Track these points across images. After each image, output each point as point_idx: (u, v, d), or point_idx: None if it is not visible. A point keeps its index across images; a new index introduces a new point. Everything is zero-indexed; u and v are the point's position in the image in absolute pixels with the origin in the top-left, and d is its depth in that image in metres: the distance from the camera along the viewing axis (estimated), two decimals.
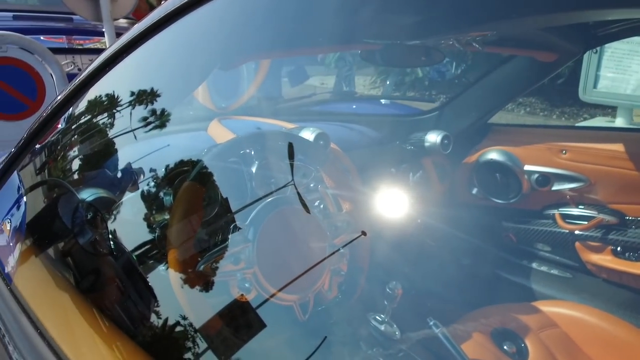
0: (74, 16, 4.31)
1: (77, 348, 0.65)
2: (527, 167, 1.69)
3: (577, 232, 1.63)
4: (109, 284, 0.90)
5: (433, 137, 1.75)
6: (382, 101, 2.39)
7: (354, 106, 2.54)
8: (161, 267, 0.88)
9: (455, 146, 1.76)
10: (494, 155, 1.76)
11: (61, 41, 3.85)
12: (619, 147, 1.48)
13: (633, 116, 2.41)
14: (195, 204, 0.84)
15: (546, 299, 1.74)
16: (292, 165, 1.04)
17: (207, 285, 0.80)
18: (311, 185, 1.06)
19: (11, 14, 4.18)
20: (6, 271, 0.90)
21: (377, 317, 1.16)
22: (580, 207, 1.62)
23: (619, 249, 1.55)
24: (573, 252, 1.68)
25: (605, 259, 1.59)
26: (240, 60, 1.51)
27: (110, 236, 0.96)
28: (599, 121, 2.64)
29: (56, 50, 3.53)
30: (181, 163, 1.02)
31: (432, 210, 1.78)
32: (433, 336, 1.23)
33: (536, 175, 1.68)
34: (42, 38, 3.68)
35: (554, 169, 1.63)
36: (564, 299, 1.72)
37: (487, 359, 1.34)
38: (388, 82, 2.38)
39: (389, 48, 1.22)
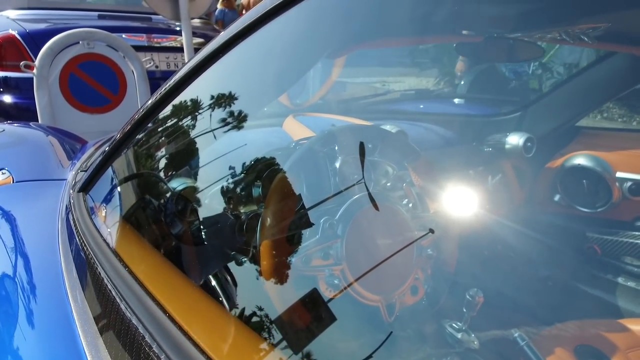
0: (153, 15, 4.54)
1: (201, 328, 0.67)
2: (619, 174, 1.57)
3: None
4: (204, 269, 0.93)
5: (515, 139, 1.67)
6: (456, 100, 2.32)
7: (424, 106, 2.48)
8: (250, 257, 0.90)
9: (539, 149, 1.67)
10: (581, 160, 1.65)
11: (141, 39, 4.06)
12: None
13: None
14: (287, 196, 0.85)
15: (634, 316, 1.61)
16: (363, 162, 1.02)
17: (296, 278, 0.80)
18: (394, 182, 1.04)
19: (96, 13, 4.46)
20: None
21: (454, 324, 1.12)
22: None
23: None
24: None
25: None
26: (347, 49, 1.50)
27: (201, 226, 0.99)
28: None
29: (137, 48, 3.73)
30: (269, 158, 1.03)
31: (513, 217, 1.70)
32: (513, 348, 1.17)
33: (629, 183, 1.56)
34: (124, 36, 3.90)
35: None
36: None
37: None
38: (463, 82, 2.31)
39: (488, 41, 1.16)
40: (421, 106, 2.48)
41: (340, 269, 0.84)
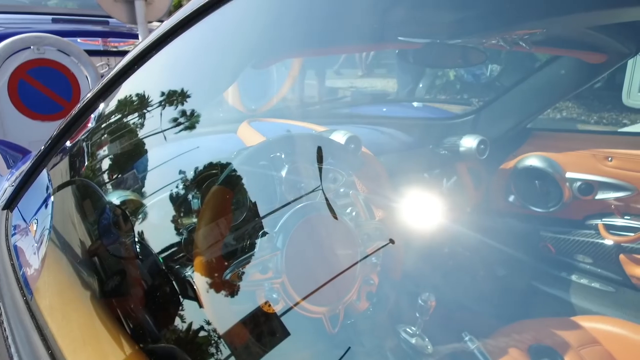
0: (110, 19, 4.40)
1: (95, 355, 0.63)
2: (569, 175, 1.60)
3: (621, 243, 1.53)
4: (133, 288, 0.89)
5: (469, 142, 1.68)
6: (415, 104, 2.33)
7: (385, 109, 2.48)
8: (187, 273, 0.86)
9: (492, 151, 1.69)
10: (533, 161, 1.68)
11: (97, 43, 3.93)
12: None
13: None
14: (224, 208, 0.81)
15: (586, 313, 1.65)
16: (321, 170, 1.00)
17: (233, 294, 0.77)
18: (342, 190, 1.02)
19: (50, 17, 4.30)
20: (28, 274, 0.89)
21: (408, 329, 1.11)
22: (626, 217, 1.52)
23: None
24: (617, 264, 1.58)
25: None
26: (274, 59, 1.48)
27: (137, 239, 0.94)
28: None
29: (92, 53, 3.61)
30: (210, 166, 1.00)
31: (467, 219, 1.71)
32: (467, 351, 1.17)
33: (579, 183, 1.59)
34: (79, 40, 3.76)
35: (598, 176, 1.54)
36: (605, 314, 1.62)
37: None
38: (421, 85, 2.33)
39: (428, 47, 1.16)
40: (384, 109, 2.49)
41: (280, 282, 0.81)
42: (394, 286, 1.00)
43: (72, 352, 0.63)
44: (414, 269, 1.08)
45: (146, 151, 1.22)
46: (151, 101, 1.09)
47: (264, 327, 0.73)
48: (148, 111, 1.09)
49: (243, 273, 0.79)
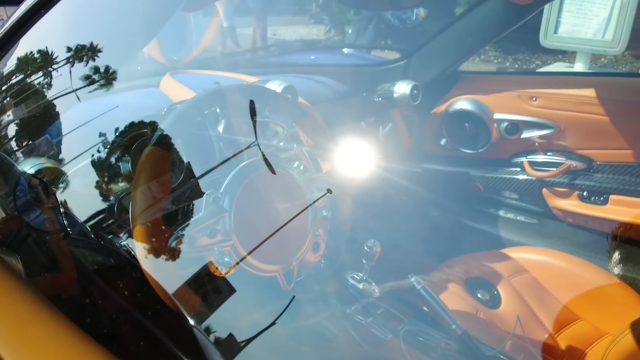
0: None
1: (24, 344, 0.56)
2: (496, 116, 1.66)
3: (545, 179, 1.64)
4: (64, 267, 0.80)
5: (402, 88, 1.67)
6: (345, 50, 2.28)
7: (314, 57, 2.41)
8: (123, 242, 0.79)
9: (424, 96, 1.70)
10: (463, 104, 1.72)
11: None
12: (589, 93, 1.46)
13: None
14: (160, 171, 0.74)
15: (514, 245, 1.77)
16: (256, 123, 0.94)
17: (180, 261, 0.71)
18: (284, 144, 0.97)
19: None
20: None
21: (356, 275, 1.12)
22: (548, 154, 1.62)
23: (585, 193, 1.58)
24: (540, 198, 1.70)
25: (571, 204, 1.62)
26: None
27: (62, 212, 0.84)
28: (558, 67, 2.66)
29: None
30: (137, 125, 0.90)
31: (403, 165, 1.74)
32: (412, 291, 1.20)
33: (506, 124, 1.66)
34: None
35: (524, 116, 1.61)
36: (530, 244, 1.75)
37: (463, 308, 1.35)
38: (350, 31, 2.27)
39: None
40: (312, 57, 2.42)
41: (230, 245, 0.77)
42: (343, 237, 0.99)
43: None
44: (361, 218, 1.07)
45: (58, 113, 1.09)
46: (57, 57, 0.95)
47: (218, 291, 0.69)
48: (55, 69, 0.96)
49: (189, 239, 0.74)
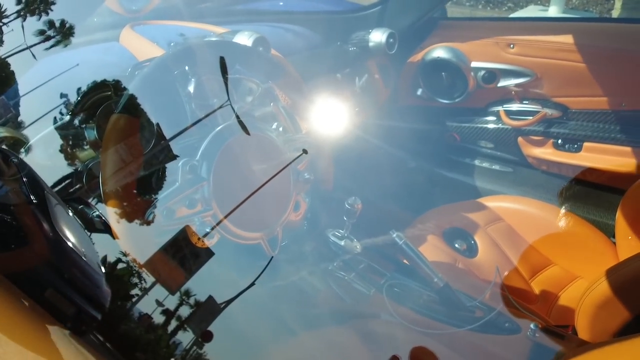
0: None
1: None
2: (474, 64, 1.63)
3: (520, 127, 1.64)
4: (32, 236, 0.75)
5: (378, 36, 1.61)
6: None
7: (282, 2, 2.28)
8: (95, 213, 0.74)
9: (400, 45, 1.64)
10: (440, 52, 1.67)
11: None
12: (567, 39, 1.44)
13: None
14: (130, 140, 0.68)
15: (489, 193, 1.80)
16: (227, 81, 0.88)
17: (160, 236, 0.67)
18: (259, 102, 0.91)
19: None
20: None
21: (337, 232, 1.12)
22: (525, 102, 1.61)
23: (559, 141, 1.59)
24: (515, 147, 1.71)
25: (546, 152, 1.64)
26: None
27: (26, 183, 0.78)
28: (532, 10, 2.61)
29: None
30: (100, 86, 0.83)
31: (379, 119, 1.70)
32: (393, 246, 1.21)
33: (483, 72, 1.63)
34: None
35: (501, 64, 1.58)
36: (505, 193, 1.78)
37: (442, 259, 1.38)
38: None
39: None
40: (281, 3, 2.28)
41: (211, 214, 0.73)
42: (325, 197, 0.97)
43: None
44: (340, 176, 1.05)
45: (13, 74, 1.00)
46: (5, 11, 0.86)
47: (200, 261, 0.66)
48: (4, 24, 0.86)
49: (167, 211, 0.69)
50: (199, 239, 0.70)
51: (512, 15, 2.62)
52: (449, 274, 1.33)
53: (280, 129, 0.88)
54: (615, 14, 2.89)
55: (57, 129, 0.79)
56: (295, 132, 0.91)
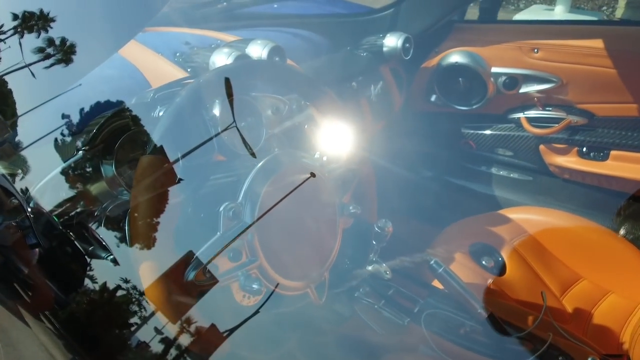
0: None
1: None
2: (494, 69, 1.55)
3: (542, 135, 1.57)
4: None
5: (393, 41, 1.52)
6: None
7: (276, 5, 2.18)
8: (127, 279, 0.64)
9: (415, 49, 1.56)
10: (457, 57, 1.59)
11: None
12: (595, 44, 1.37)
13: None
14: (163, 185, 0.58)
15: (508, 203, 1.73)
16: (231, 102, 0.76)
17: (202, 299, 0.58)
18: (293, 125, 0.82)
19: None
20: None
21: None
22: (547, 109, 1.54)
23: (584, 149, 1.52)
24: (536, 155, 1.64)
25: (570, 160, 1.57)
26: None
27: (32, 223, 0.68)
28: (536, 10, 2.55)
29: None
30: (115, 115, 0.73)
31: (394, 127, 1.61)
32: (422, 267, 1.13)
33: (504, 78, 1.55)
34: None
35: (524, 69, 1.51)
36: (525, 203, 1.72)
37: (474, 280, 1.30)
38: None
39: None
40: (275, 6, 2.18)
41: (257, 267, 0.63)
42: (366, 230, 0.88)
43: None
44: (383, 200, 0.96)
45: (10, 91, 0.90)
46: (2, 26, 0.75)
47: (251, 328, 0.57)
48: (2, 40, 0.76)
49: (210, 267, 0.59)
50: (244, 296, 0.60)
51: (516, 16, 2.55)
52: (484, 297, 1.25)
53: (324, 158, 0.78)
54: (619, 12, 2.85)
55: (69, 165, 0.68)
56: (337, 159, 0.81)
